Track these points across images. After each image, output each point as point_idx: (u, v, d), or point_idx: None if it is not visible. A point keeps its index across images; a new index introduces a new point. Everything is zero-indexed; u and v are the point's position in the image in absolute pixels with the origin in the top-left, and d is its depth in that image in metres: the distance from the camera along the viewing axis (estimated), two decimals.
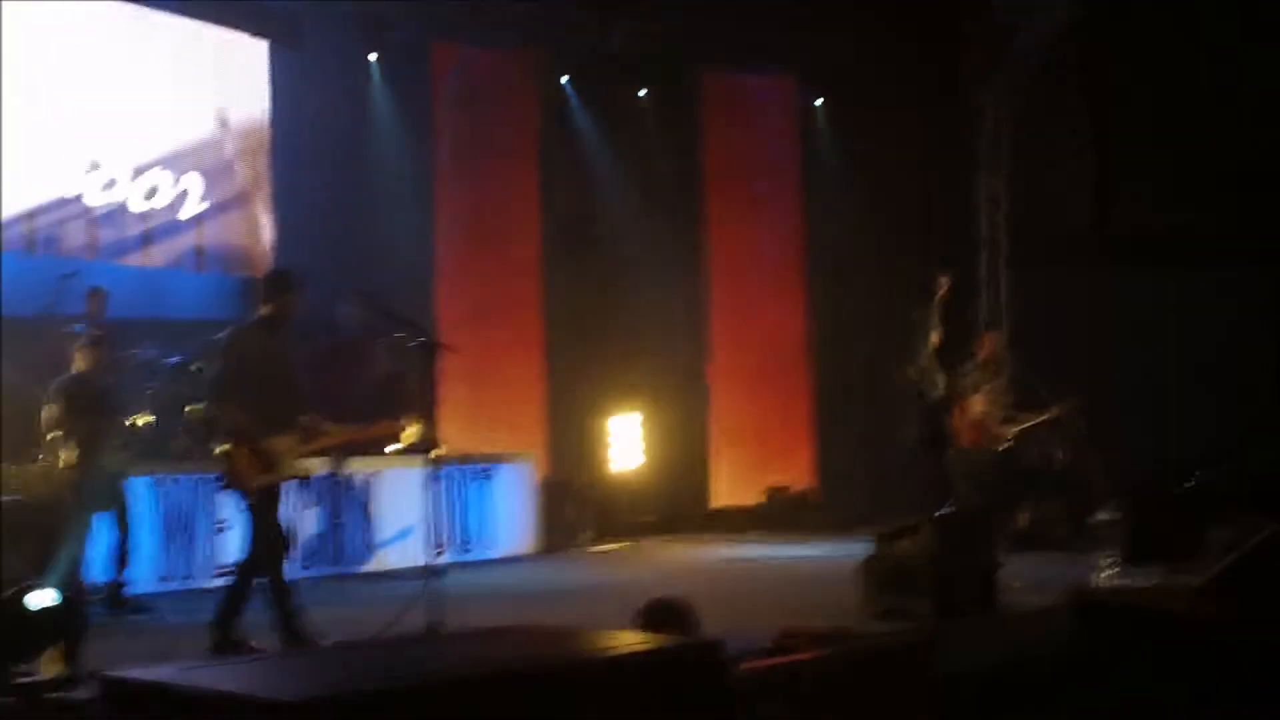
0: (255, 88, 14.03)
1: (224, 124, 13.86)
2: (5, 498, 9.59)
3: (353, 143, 14.24)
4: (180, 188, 13.39)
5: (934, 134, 15.13)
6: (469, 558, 12.30)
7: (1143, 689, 5.95)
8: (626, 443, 15.36)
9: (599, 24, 14.95)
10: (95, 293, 11.35)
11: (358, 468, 11.67)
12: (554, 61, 15.29)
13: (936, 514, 9.56)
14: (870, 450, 14.96)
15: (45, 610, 5.68)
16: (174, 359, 11.43)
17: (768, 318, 16.11)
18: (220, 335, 8.06)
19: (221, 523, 10.45)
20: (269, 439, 7.45)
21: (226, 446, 7.47)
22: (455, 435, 13.65)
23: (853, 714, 5.55)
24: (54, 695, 5.23)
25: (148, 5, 13.04)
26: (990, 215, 15.35)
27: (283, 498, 7.75)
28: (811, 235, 16.30)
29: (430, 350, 8.77)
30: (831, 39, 15.34)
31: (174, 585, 10.25)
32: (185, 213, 13.46)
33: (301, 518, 11.17)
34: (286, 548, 7.71)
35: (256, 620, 7.52)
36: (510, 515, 12.94)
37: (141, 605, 9.31)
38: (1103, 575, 8.16)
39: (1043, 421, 11.94)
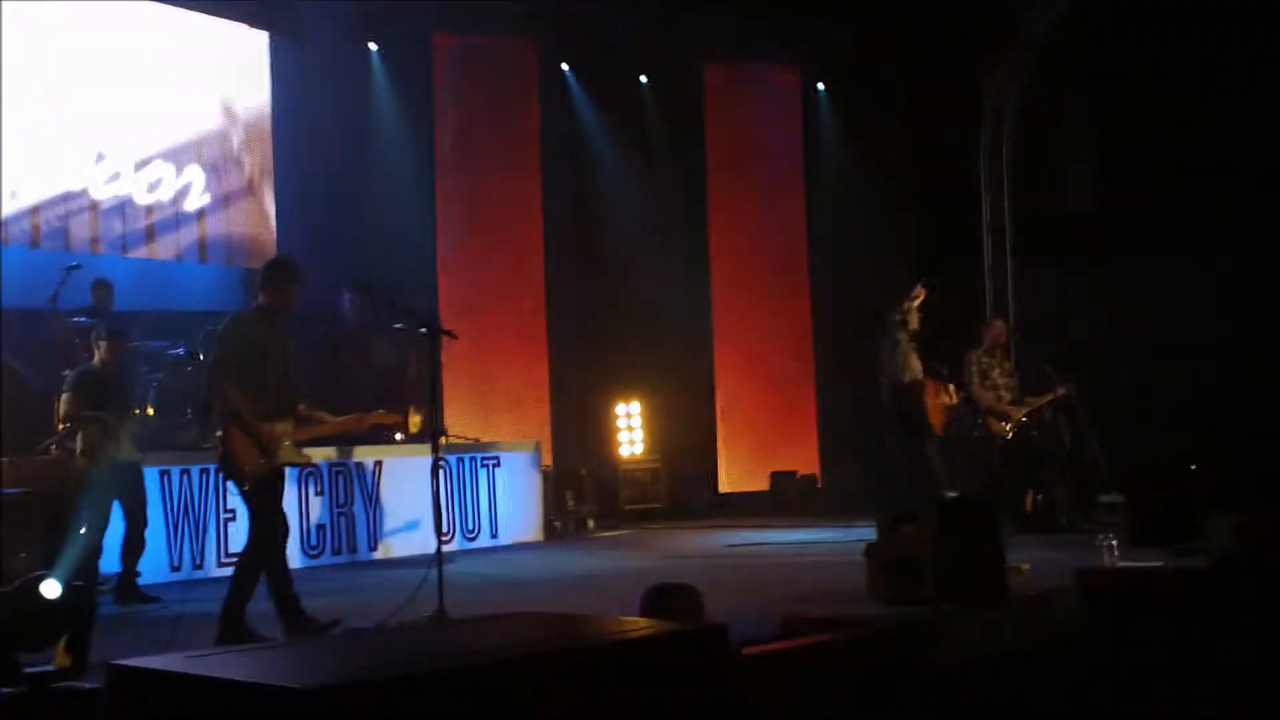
0: (257, 80, 14.06)
1: (230, 115, 13.90)
2: (14, 489, 9.66)
3: (354, 133, 14.27)
4: (184, 180, 13.43)
5: (936, 120, 15.12)
6: (475, 545, 12.34)
7: (1147, 671, 5.97)
8: (631, 430, 15.40)
9: (599, 13, 14.95)
10: (100, 285, 11.40)
11: (364, 456, 11.70)
12: (554, 50, 15.29)
13: (942, 498, 9.60)
14: (875, 435, 14.98)
15: (55, 600, 5.70)
16: (179, 350, 11.47)
17: (771, 304, 16.14)
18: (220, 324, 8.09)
19: (230, 512, 10.54)
20: (266, 425, 7.48)
21: (223, 432, 7.50)
22: (460, 424, 13.70)
23: (857, 698, 5.57)
24: (63, 684, 5.26)
25: None
26: (994, 201, 15.35)
27: (283, 485, 7.76)
28: (814, 221, 16.32)
29: (433, 338, 8.78)
30: (833, 26, 15.33)
31: (183, 575, 10.30)
32: (189, 205, 13.50)
33: (309, 506, 11.22)
34: (285, 535, 7.72)
35: (263, 609, 7.55)
36: (515, 503, 12.97)
37: (150, 595, 9.34)
38: (1107, 559, 8.15)
39: (1049, 402, 11.94)
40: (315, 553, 11.23)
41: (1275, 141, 12.97)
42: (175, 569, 10.32)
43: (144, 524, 9.54)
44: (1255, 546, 7.21)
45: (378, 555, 11.63)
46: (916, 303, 11.46)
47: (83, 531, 9.17)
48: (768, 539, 11.39)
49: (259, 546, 7.55)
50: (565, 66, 15.56)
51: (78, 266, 11.32)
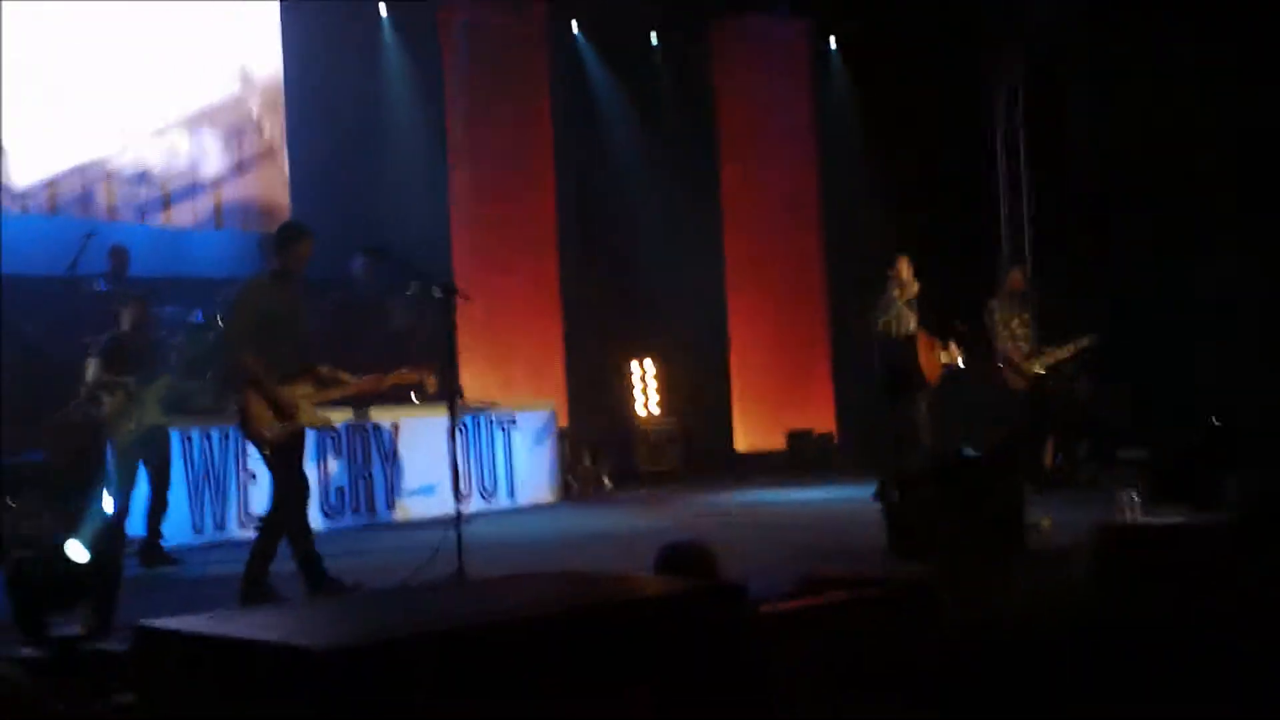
0: (273, 45, 14.04)
1: (248, 81, 13.89)
2: (39, 454, 9.73)
3: (365, 97, 14.25)
4: (200, 147, 13.43)
5: (950, 74, 15.03)
6: (492, 506, 12.39)
7: (1166, 628, 5.97)
8: (646, 390, 15.42)
9: None
10: (117, 252, 11.44)
11: (382, 418, 11.74)
12: (564, 11, 15.24)
13: (962, 453, 9.59)
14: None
15: (80, 563, 5.75)
16: (195, 316, 11.52)
17: (784, 262, 16.11)
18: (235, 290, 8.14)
19: (252, 474, 10.61)
20: (284, 389, 7.51)
21: (242, 398, 7.54)
22: (476, 386, 13.73)
23: (874, 657, 5.59)
24: (89, 646, 5.31)
25: None
26: (1009, 154, 15.28)
27: (304, 448, 7.80)
28: (827, 177, 16.26)
29: (447, 301, 8.80)
30: None
31: (205, 537, 10.37)
32: (205, 172, 13.51)
33: (327, 468, 11.27)
34: (307, 497, 7.76)
35: (285, 569, 7.60)
36: (532, 464, 13.02)
37: (174, 557, 9.42)
38: (1128, 514, 8.15)
39: (1070, 353, 11.88)
40: (334, 514, 11.29)
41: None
42: (197, 531, 10.41)
43: (168, 487, 9.62)
44: (1270, 504, 7.19)
45: (396, 517, 11.68)
46: (903, 273, 11.35)
47: (108, 495, 9.25)
48: (784, 497, 11.41)
49: (280, 509, 7.60)
50: (575, 27, 15.51)
51: (94, 234, 11.37)
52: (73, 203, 12.53)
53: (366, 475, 11.67)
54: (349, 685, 3.80)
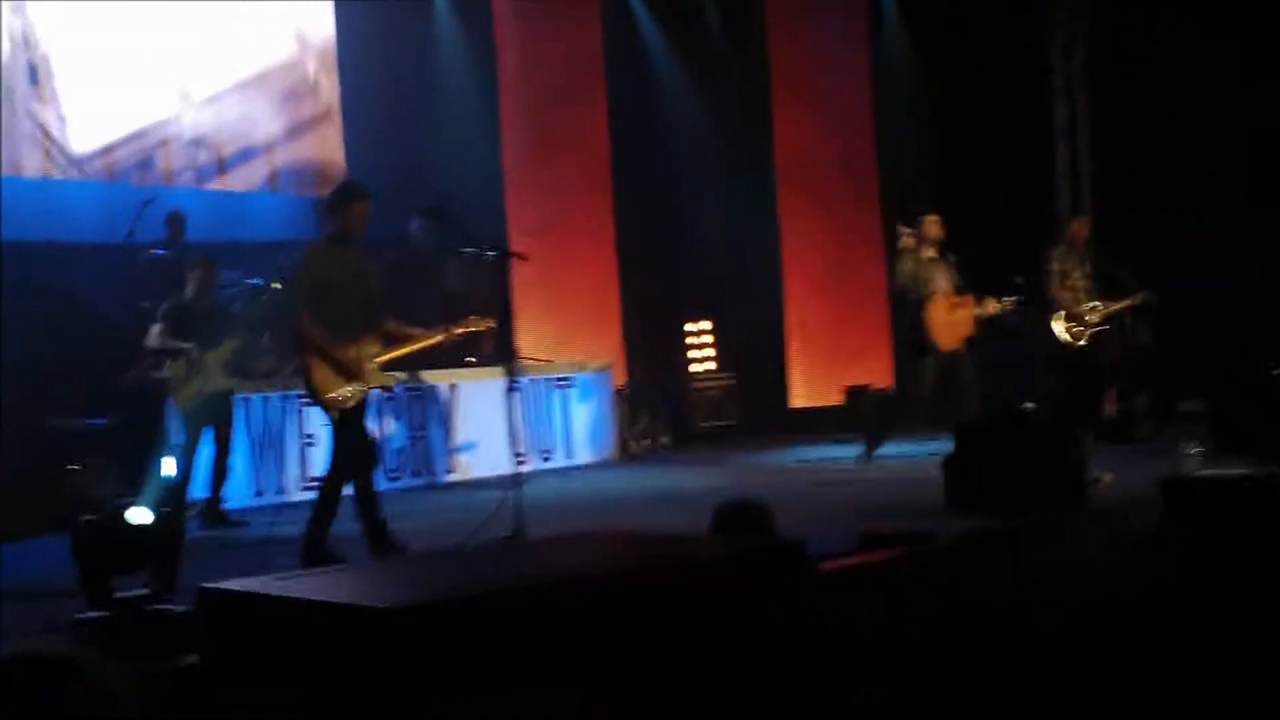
0: (324, 7, 14.06)
1: (303, 43, 13.92)
2: (102, 418, 9.85)
3: (418, 58, 14.24)
4: (255, 111, 13.48)
5: (1008, 27, 14.83)
6: (549, 466, 12.43)
7: (1231, 576, 5.91)
8: (702, 348, 15.39)
9: None
10: (173, 218, 11.51)
11: (440, 380, 11.78)
12: None
13: (1021, 407, 9.51)
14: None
15: (143, 526, 5.80)
16: (253, 280, 11.58)
17: (839, 218, 15.99)
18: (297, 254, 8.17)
19: (310, 437, 10.69)
20: (347, 352, 7.53)
21: (305, 364, 7.57)
22: (532, 346, 13.76)
23: (935, 614, 5.56)
24: (153, 608, 5.36)
25: None
26: (1068, 104, 15.09)
27: (369, 409, 7.82)
28: (882, 130, 16.11)
29: (503, 261, 8.79)
30: None
31: (266, 499, 10.46)
32: (260, 136, 13.56)
33: (385, 430, 11.33)
34: (375, 459, 7.80)
35: (345, 531, 7.65)
36: (589, 423, 13.05)
37: (236, 520, 9.51)
38: (1192, 467, 8.05)
39: (1126, 307, 11.74)
40: (394, 476, 11.36)
41: None
42: (258, 494, 10.49)
43: (230, 451, 9.71)
44: None
45: (455, 478, 11.74)
46: (930, 231, 11.23)
47: (171, 459, 9.35)
48: (842, 454, 11.37)
49: (342, 470, 7.63)
50: None
51: (152, 200, 11.44)
52: (131, 169, 12.62)
53: (424, 437, 11.72)
54: (412, 644, 3.82)
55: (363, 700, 3.83)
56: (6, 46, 11.72)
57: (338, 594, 4.27)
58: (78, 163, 12.22)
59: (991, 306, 11.00)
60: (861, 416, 11.42)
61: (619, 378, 13.98)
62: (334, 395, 7.52)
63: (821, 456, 12.24)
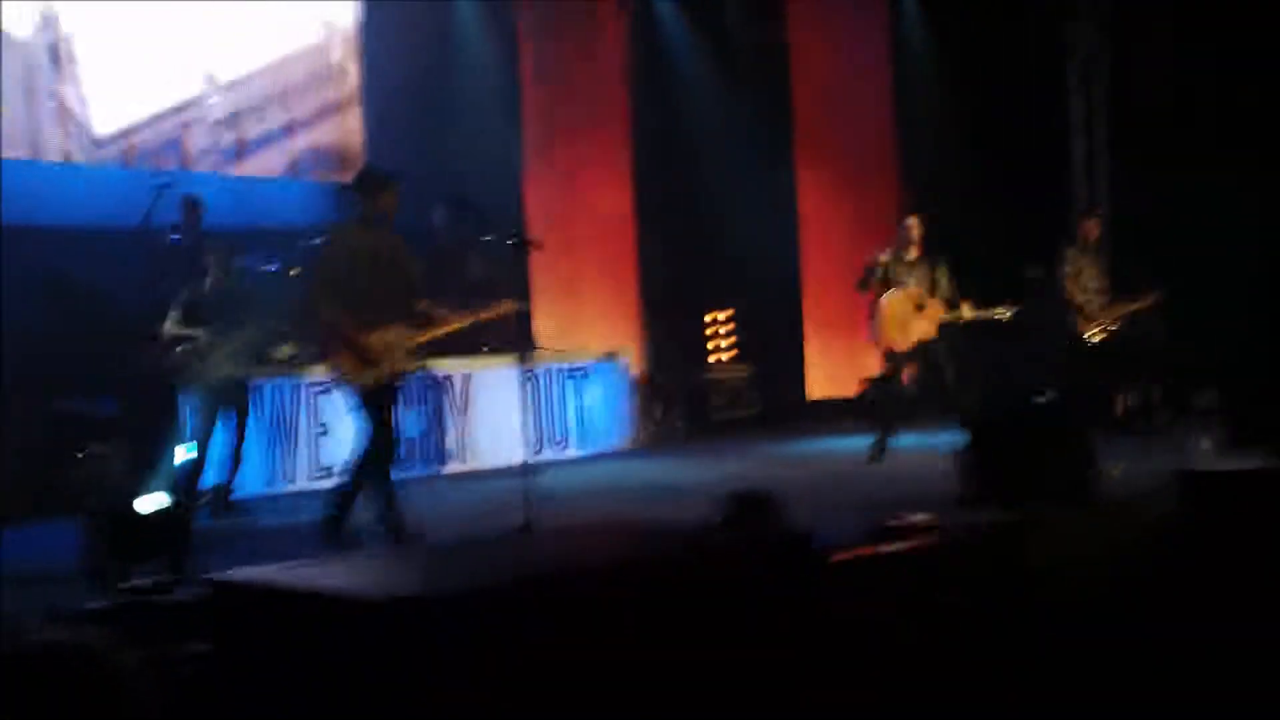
0: None
1: (330, 27, 13.94)
2: (114, 406, 9.87)
3: (441, 47, 14.23)
4: (277, 96, 13.51)
5: (1027, 18, 14.79)
6: (565, 456, 12.43)
7: (1247, 569, 5.89)
8: (720, 338, 15.38)
9: None
10: (189, 203, 11.52)
11: (453, 369, 11.78)
12: None
13: (1035, 401, 9.49)
14: (966, 339, 14.83)
15: (153, 515, 5.82)
16: (272, 266, 11.60)
17: (859, 211, 15.94)
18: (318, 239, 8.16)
19: (323, 426, 10.70)
20: (373, 335, 7.49)
21: (329, 349, 7.56)
22: (550, 334, 13.76)
23: (945, 605, 5.55)
24: (161, 597, 5.38)
25: None
26: (1086, 99, 15.04)
27: (394, 396, 7.77)
28: (903, 130, 16.08)
29: (521, 250, 8.79)
30: None
31: (277, 488, 10.48)
32: (280, 121, 13.58)
33: (399, 419, 11.33)
34: (396, 447, 7.78)
35: (359, 519, 7.66)
36: (605, 413, 13.05)
37: (245, 509, 9.53)
38: (1204, 460, 8.05)
39: (1136, 307, 11.80)
40: (405, 465, 11.35)
41: None
42: (270, 482, 10.50)
43: (243, 439, 9.72)
44: None
45: (467, 467, 11.74)
46: (913, 233, 11.26)
47: (182, 447, 9.37)
48: (858, 445, 11.35)
49: (368, 457, 7.62)
50: None
51: (169, 185, 11.46)
52: (150, 152, 12.63)
53: (438, 425, 11.73)
54: (416, 635, 3.83)
55: (371, 689, 3.84)
56: (29, 27, 11.76)
57: (345, 583, 4.28)
58: (99, 144, 12.24)
59: (967, 313, 10.97)
60: (869, 408, 11.41)
61: (636, 367, 13.97)
62: (354, 383, 7.51)
63: (838, 447, 12.22)
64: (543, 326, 13.65)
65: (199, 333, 9.39)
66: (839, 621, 4.86)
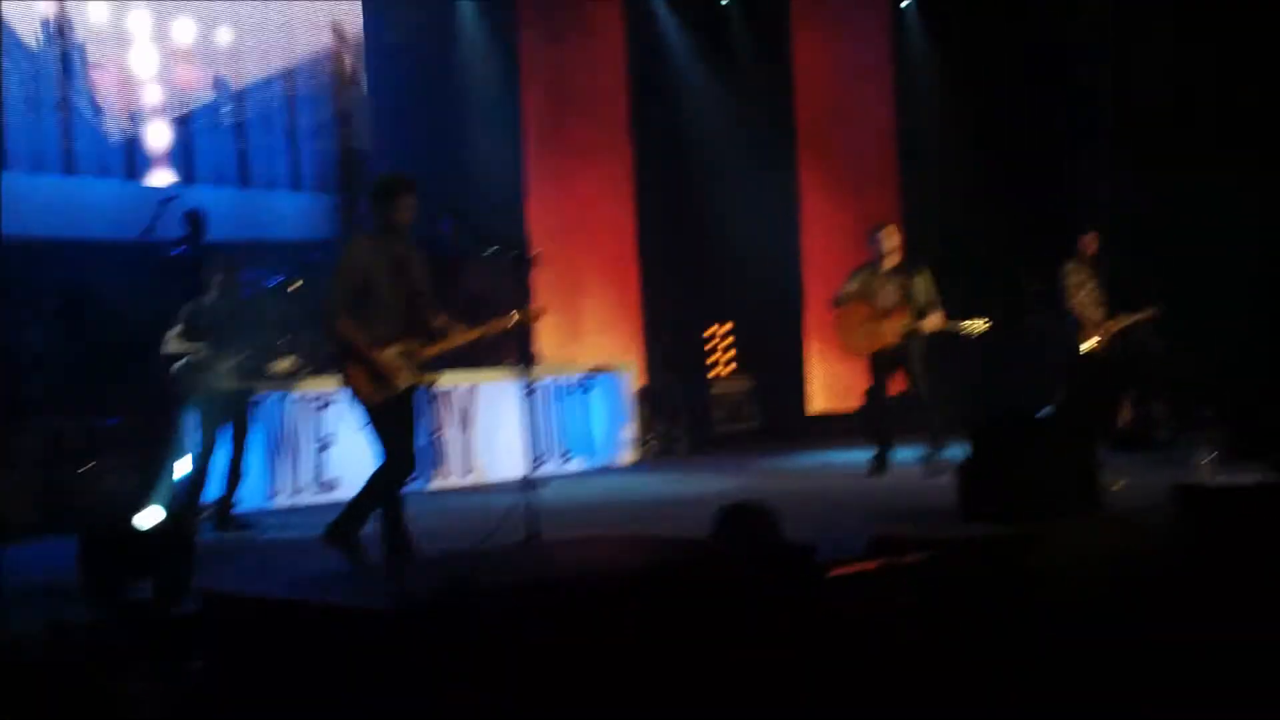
0: (351, 6, 14.12)
1: (341, 37, 13.99)
2: (115, 419, 9.88)
3: (443, 60, 14.26)
4: (284, 105, 13.57)
5: (1029, 31, 14.81)
6: (567, 469, 12.43)
7: (1248, 584, 5.89)
8: (722, 351, 15.38)
9: None
10: (192, 216, 11.55)
11: (457, 381, 11.79)
12: None
13: (1037, 414, 9.49)
14: (968, 353, 14.83)
15: (154, 529, 5.81)
16: (274, 280, 11.61)
17: (861, 222, 15.92)
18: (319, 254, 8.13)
19: (325, 441, 10.70)
20: (387, 351, 7.45)
21: (341, 363, 7.53)
22: (552, 348, 13.76)
23: (946, 618, 5.55)
24: (161, 612, 5.37)
25: None
26: (1087, 104, 15.07)
27: (410, 409, 7.70)
28: (905, 139, 16.10)
29: (523, 264, 8.78)
30: None
31: (280, 502, 10.48)
32: (283, 132, 13.61)
33: (417, 433, 11.33)
34: (411, 464, 7.71)
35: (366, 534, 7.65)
36: (607, 426, 13.05)
37: (247, 523, 9.52)
38: (1205, 474, 8.05)
39: (1134, 321, 11.81)
40: (410, 478, 11.35)
41: None
42: (271, 497, 10.50)
43: (244, 453, 9.72)
44: None
45: (472, 480, 11.74)
46: (886, 243, 11.26)
47: (184, 460, 9.37)
48: (859, 458, 11.35)
49: (379, 474, 7.58)
50: None
51: (172, 197, 11.48)
52: (158, 161, 12.60)
53: (441, 438, 11.73)
54: (417, 646, 3.84)
55: (372, 701, 3.85)
56: (39, 36, 11.79)
57: (344, 597, 4.30)
58: (106, 155, 12.23)
59: (931, 324, 10.94)
60: (865, 421, 11.40)
61: (639, 381, 13.97)
62: (365, 398, 7.47)
63: (839, 461, 12.22)
64: (545, 340, 13.66)
65: (200, 347, 9.39)
66: (839, 633, 4.87)
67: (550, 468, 12.26)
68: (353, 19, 14.09)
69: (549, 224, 14.06)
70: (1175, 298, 11.78)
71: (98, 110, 12.15)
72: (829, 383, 15.55)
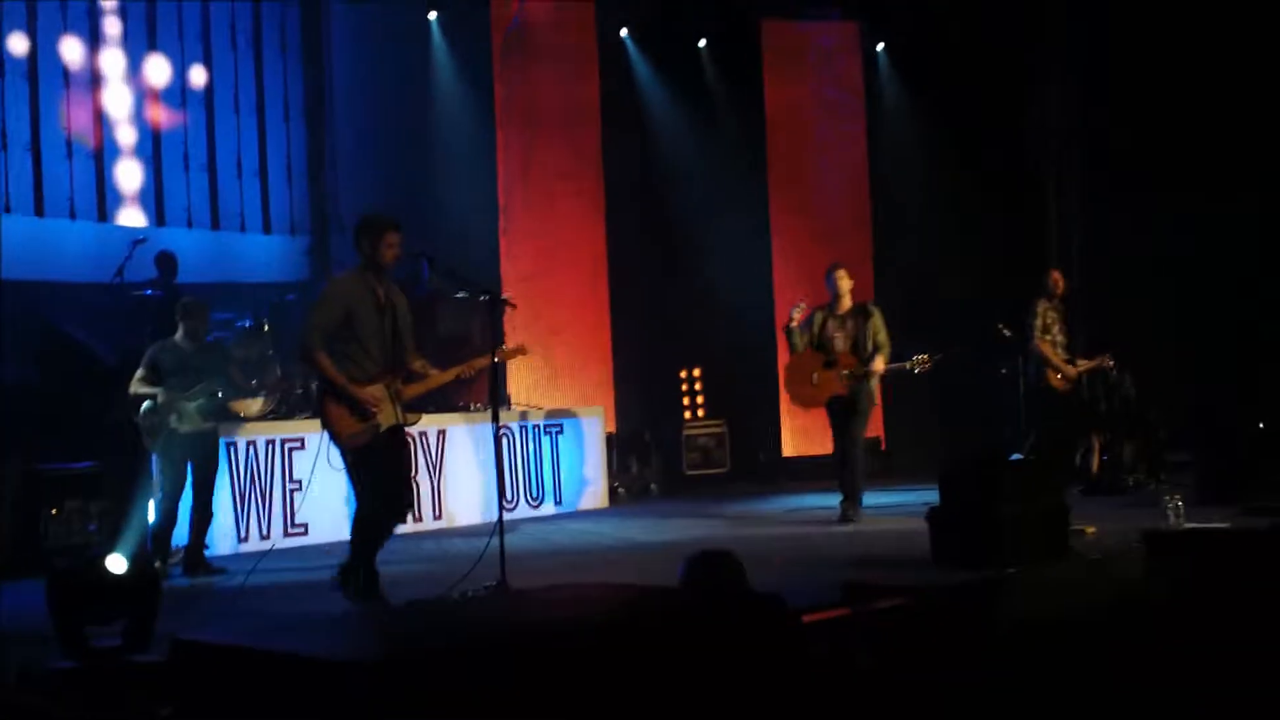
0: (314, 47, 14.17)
1: (306, 83, 14.06)
2: (84, 463, 9.81)
3: (413, 100, 14.28)
4: (255, 146, 13.60)
5: (999, 75, 14.94)
6: (538, 513, 12.39)
7: (1218, 629, 5.91)
8: (694, 394, 15.39)
9: None
10: (163, 258, 11.52)
11: (428, 425, 11.75)
12: (612, 13, 15.23)
13: (1006, 459, 9.51)
14: (940, 398, 14.88)
15: (120, 575, 5.76)
16: (245, 321, 11.58)
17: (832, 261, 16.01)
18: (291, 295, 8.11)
19: (297, 483, 10.64)
20: (367, 389, 7.43)
21: (319, 400, 7.50)
22: (523, 391, 13.76)
23: (916, 665, 5.55)
24: (128, 658, 5.33)
25: None
26: (1058, 152, 15.21)
27: (395, 448, 7.63)
28: (876, 181, 16.19)
29: (495, 306, 8.78)
30: None
31: (250, 546, 10.39)
32: (253, 174, 13.62)
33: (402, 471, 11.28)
34: (400, 505, 7.69)
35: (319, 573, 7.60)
36: (579, 469, 13.02)
37: (217, 567, 9.45)
38: (1173, 520, 8.08)
39: (1093, 367, 11.86)
40: (400, 519, 11.29)
41: None
42: (242, 540, 10.43)
43: (212, 495, 9.64)
44: None
45: (441, 524, 11.69)
46: (840, 285, 11.33)
47: (151, 504, 9.30)
48: (832, 503, 11.36)
49: (363, 514, 7.56)
50: (623, 30, 15.51)
51: (144, 240, 11.45)
52: (127, 203, 12.57)
53: (412, 482, 11.67)
54: (384, 698, 3.81)
55: None
56: (8, 75, 11.78)
57: (313, 646, 4.26)
58: (71, 197, 12.18)
59: (877, 366, 10.97)
60: (836, 467, 11.40)
61: (610, 424, 13.96)
62: (343, 437, 7.44)
63: (811, 505, 12.22)
64: (516, 383, 13.65)
65: (161, 391, 9.33)
66: (809, 679, 4.86)
67: (522, 511, 12.23)
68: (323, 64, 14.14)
69: (522, 267, 14.08)
70: (1145, 340, 11.84)
71: (69, 151, 12.12)
72: (802, 426, 15.56)
